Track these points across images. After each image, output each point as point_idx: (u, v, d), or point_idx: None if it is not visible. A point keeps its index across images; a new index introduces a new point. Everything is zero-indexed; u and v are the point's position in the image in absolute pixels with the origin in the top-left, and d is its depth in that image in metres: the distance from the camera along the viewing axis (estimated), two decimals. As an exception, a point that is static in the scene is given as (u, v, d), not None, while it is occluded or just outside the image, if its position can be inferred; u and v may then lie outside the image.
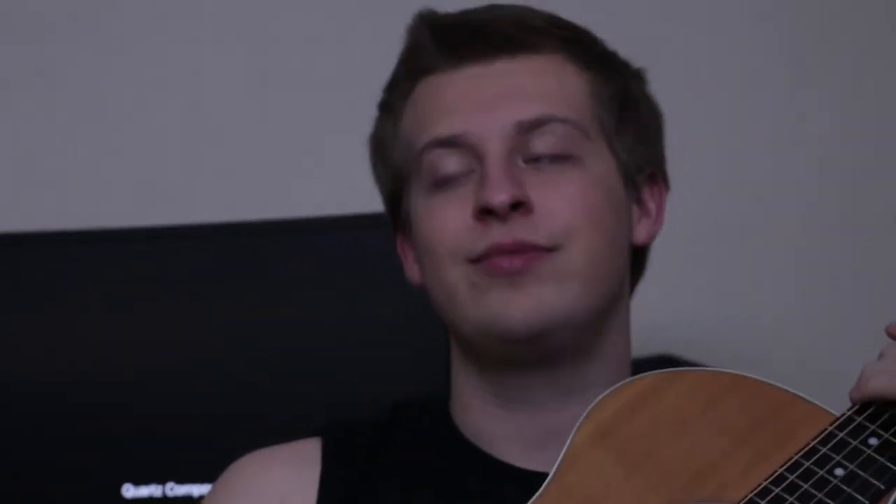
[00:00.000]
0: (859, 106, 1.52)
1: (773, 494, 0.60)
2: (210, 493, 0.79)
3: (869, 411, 0.62)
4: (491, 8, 0.78)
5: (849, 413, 0.63)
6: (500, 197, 0.67)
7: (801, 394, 0.67)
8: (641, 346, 0.94)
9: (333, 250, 1.08)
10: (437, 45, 0.75)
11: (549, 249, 0.69)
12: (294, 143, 1.29)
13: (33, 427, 1.08)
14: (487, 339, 0.70)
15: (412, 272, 0.78)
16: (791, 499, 0.59)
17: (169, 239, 1.18)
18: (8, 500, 1.09)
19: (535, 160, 0.72)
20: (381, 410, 0.80)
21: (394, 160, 0.78)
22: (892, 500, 0.60)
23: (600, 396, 0.67)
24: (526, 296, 0.68)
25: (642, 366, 0.78)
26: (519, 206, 0.68)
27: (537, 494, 0.62)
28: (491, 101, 0.73)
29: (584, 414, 0.66)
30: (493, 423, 0.74)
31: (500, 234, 0.68)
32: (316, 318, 1.09)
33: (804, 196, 1.47)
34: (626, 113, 0.77)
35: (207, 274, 1.12)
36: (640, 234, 0.77)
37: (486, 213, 0.68)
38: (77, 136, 1.44)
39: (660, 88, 0.97)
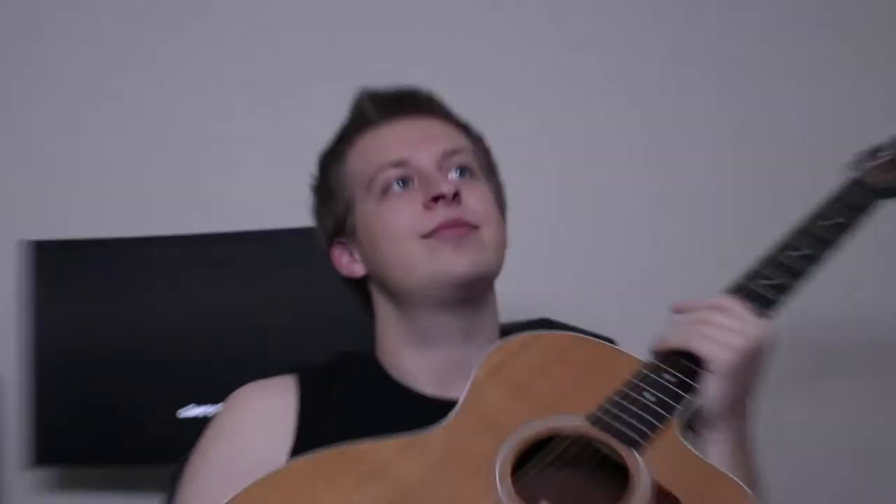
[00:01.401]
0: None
1: (607, 409, 0.84)
2: (221, 413, 1.02)
3: (666, 359, 0.89)
4: (408, 86, 1.07)
5: (653, 360, 0.89)
6: (449, 187, 0.95)
7: (623, 349, 0.95)
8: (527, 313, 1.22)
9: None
10: (376, 108, 1.04)
11: (475, 227, 0.97)
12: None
13: (101, 360, 1.56)
14: (435, 287, 0.96)
15: (352, 268, 1.05)
16: (618, 412, 0.84)
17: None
18: (82, 424, 1.54)
19: (454, 174, 1.01)
20: (330, 357, 1.07)
21: (341, 193, 1.04)
22: (679, 411, 0.85)
23: (491, 348, 0.94)
24: (466, 255, 0.95)
25: (526, 326, 1.06)
26: (456, 195, 0.96)
27: (454, 413, 0.86)
28: (422, 139, 1.02)
29: (481, 360, 0.92)
30: (414, 362, 1.01)
31: (444, 214, 0.95)
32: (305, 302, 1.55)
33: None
34: (494, 174, 1.10)
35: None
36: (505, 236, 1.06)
37: (434, 202, 0.95)
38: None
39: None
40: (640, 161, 1.82)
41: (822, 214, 1.03)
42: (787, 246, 0.99)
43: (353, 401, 1.01)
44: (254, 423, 0.99)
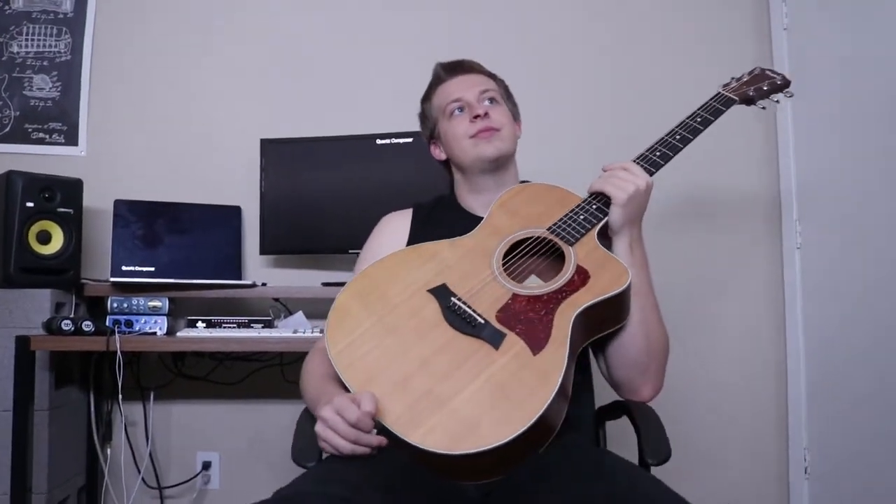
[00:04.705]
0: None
1: (558, 223, 1.34)
2: (375, 228, 1.66)
3: (592, 196, 1.36)
4: (461, 59, 1.63)
5: (587, 197, 1.38)
6: (483, 110, 1.58)
7: (572, 191, 1.43)
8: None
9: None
10: (444, 71, 1.60)
11: (498, 129, 1.54)
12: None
13: (296, 200, 2.61)
14: (478, 162, 1.56)
15: (439, 154, 1.66)
16: (564, 225, 1.32)
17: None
18: (286, 232, 2.63)
19: (486, 103, 1.56)
20: (431, 197, 1.70)
21: (431, 116, 1.64)
22: (598, 228, 1.31)
23: (502, 192, 1.48)
24: (493, 144, 1.54)
25: (523, 182, 1.60)
26: (487, 114, 1.54)
27: (478, 227, 1.42)
28: (469, 86, 1.64)
29: (496, 198, 1.47)
30: (472, 200, 1.62)
31: (481, 124, 1.55)
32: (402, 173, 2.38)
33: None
34: (510, 98, 1.62)
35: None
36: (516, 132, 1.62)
37: (476, 118, 1.56)
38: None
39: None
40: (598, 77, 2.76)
41: (696, 113, 1.45)
42: (672, 132, 1.42)
43: (440, 218, 1.63)
44: (388, 231, 1.62)
